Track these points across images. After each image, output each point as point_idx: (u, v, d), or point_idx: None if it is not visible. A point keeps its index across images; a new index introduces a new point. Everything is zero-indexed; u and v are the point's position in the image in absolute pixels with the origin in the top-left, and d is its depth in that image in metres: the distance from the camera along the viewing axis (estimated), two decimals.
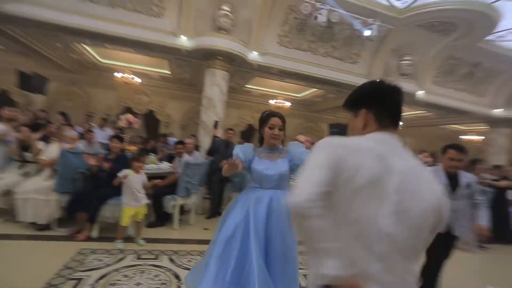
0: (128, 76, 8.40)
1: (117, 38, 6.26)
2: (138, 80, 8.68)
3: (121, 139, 3.63)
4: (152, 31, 6.25)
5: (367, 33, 6.34)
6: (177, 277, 2.59)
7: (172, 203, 3.79)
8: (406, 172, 0.81)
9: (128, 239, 3.26)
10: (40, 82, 7.31)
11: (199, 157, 4.94)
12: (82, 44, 7.74)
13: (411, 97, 8.15)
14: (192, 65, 7.88)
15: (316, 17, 6.01)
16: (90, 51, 8.29)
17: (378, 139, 0.86)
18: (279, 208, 1.77)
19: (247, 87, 10.24)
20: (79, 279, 2.35)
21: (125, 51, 7.44)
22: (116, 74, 8.38)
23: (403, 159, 0.84)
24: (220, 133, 6.02)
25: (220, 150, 4.87)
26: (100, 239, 3.20)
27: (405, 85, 7.81)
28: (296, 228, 0.82)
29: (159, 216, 3.90)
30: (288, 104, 9.92)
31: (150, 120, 10.94)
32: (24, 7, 5.55)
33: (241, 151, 1.93)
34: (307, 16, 6.27)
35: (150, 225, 3.80)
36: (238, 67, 7.08)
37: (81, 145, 3.87)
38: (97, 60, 8.91)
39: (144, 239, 3.31)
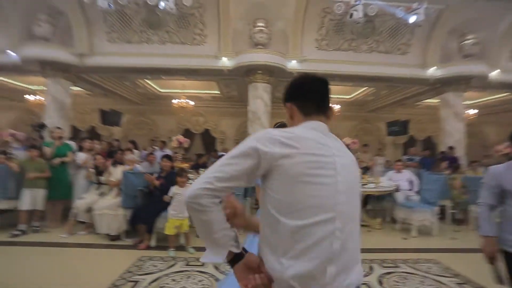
0: (183, 101, 9.34)
1: (169, 69, 7.12)
2: (191, 103, 9.58)
3: (170, 158, 4.10)
4: (197, 57, 6.89)
5: (413, 19, 5.84)
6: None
7: None
8: (339, 151, 0.87)
9: (180, 248, 3.61)
10: (116, 116, 8.71)
11: None
12: (145, 80, 9.00)
13: (483, 80, 7.04)
14: (237, 83, 8.34)
15: (351, 15, 5.82)
16: (151, 84, 9.54)
17: (311, 127, 0.90)
18: None
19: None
20: (136, 282, 2.72)
21: (178, 79, 8.35)
22: (173, 101, 9.43)
23: (332, 140, 0.89)
24: None
25: None
26: (157, 247, 3.63)
27: (473, 67, 6.83)
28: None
29: None
30: (337, 107, 9.58)
31: (207, 138, 11.82)
32: (98, 58, 6.80)
33: None
34: (343, 15, 6.11)
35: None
36: (278, 77, 7.23)
37: (139, 166, 4.47)
38: (158, 90, 10.18)
39: (194, 247, 3.62)
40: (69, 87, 7.11)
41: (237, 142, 11.83)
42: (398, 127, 8.92)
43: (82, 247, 3.66)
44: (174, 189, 3.55)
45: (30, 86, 9.50)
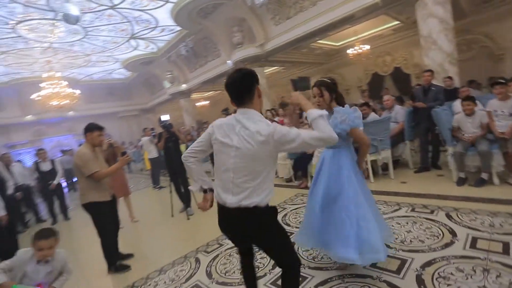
0: (357, 48, 9.07)
1: (328, 25, 7.30)
2: (366, 47, 9.06)
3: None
4: (348, 2, 6.58)
5: None
6: (451, 232, 2.48)
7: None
8: (240, 131, 1.40)
9: None
10: (304, 81, 10.15)
11: (400, 111, 4.73)
12: (317, 42, 9.68)
13: None
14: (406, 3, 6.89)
15: None
16: (325, 42, 10.03)
17: (234, 114, 1.48)
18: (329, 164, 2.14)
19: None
20: (284, 208, 3.93)
21: (343, 30, 8.23)
22: (348, 51, 9.42)
23: (243, 124, 1.40)
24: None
25: (419, 97, 4.37)
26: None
27: None
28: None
29: None
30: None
31: (399, 77, 10.57)
32: (272, 42, 8.43)
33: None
34: None
35: None
36: None
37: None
38: (334, 45, 10.48)
39: None
40: (263, 71, 9.42)
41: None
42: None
43: None
44: None
45: None
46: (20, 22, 7.47)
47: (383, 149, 4.29)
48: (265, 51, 8.67)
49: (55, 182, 5.61)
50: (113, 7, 7.55)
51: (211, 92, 16.23)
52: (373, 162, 4.40)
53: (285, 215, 3.68)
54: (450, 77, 5.29)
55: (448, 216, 2.76)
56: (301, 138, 1.30)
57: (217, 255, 2.90)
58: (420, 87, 4.58)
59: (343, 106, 2.10)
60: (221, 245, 3.14)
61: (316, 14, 7.25)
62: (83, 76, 13.26)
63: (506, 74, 6.79)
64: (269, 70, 11.99)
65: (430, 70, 4.40)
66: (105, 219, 2.82)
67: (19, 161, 7.42)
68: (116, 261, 2.98)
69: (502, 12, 8.04)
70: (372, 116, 4.57)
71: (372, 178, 4.37)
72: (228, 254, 2.88)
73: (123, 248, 3.28)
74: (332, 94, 2.11)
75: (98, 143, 2.80)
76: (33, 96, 9.95)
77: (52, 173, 5.65)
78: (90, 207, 2.73)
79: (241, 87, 1.43)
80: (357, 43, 9.28)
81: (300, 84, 8.62)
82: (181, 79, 12.57)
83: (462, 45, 9.06)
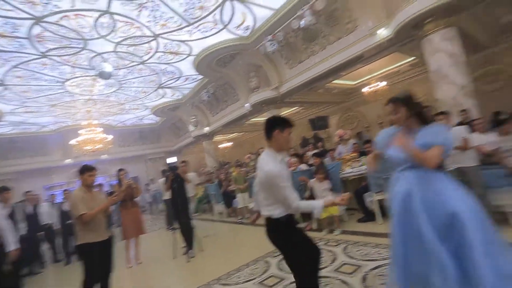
0: (372, 86, 9.08)
1: (338, 67, 7.51)
2: (382, 84, 9.03)
3: (318, 155, 4.72)
4: (357, 43, 6.80)
5: None
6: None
7: (369, 199, 4.04)
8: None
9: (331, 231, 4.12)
10: (323, 120, 10.30)
11: None
12: (333, 82, 9.86)
13: None
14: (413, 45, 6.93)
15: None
16: (340, 81, 10.17)
17: None
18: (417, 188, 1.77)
19: None
20: None
21: (355, 70, 8.37)
22: (363, 90, 9.44)
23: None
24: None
25: None
26: (316, 230, 4.38)
27: None
28: None
29: (365, 212, 4.26)
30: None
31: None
32: (287, 84, 8.77)
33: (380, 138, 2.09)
34: None
35: (360, 221, 4.26)
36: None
37: (302, 166, 5.41)
38: (350, 84, 10.58)
39: (347, 231, 3.97)
40: (279, 112, 9.66)
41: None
42: None
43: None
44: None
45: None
46: (68, 79, 8.68)
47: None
48: (281, 93, 8.99)
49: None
50: (143, 63, 8.53)
51: (234, 134, 16.78)
52: (381, 201, 4.10)
53: None
54: (464, 110, 5.00)
55: None
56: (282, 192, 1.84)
57: None
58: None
59: (428, 124, 1.85)
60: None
61: (327, 56, 7.51)
62: (117, 122, 14.56)
63: None
64: (288, 111, 12.26)
65: (443, 113, 4.14)
66: (93, 260, 2.80)
67: (49, 200, 7.99)
68: None
69: None
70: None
71: (381, 219, 4.04)
72: None
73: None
74: (410, 110, 1.84)
75: (90, 183, 2.95)
76: (72, 141, 11.02)
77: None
78: (80, 248, 2.79)
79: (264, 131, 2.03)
80: (372, 81, 9.30)
81: (318, 123, 8.79)
82: (204, 122, 13.27)
83: (488, 76, 8.70)
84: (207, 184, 9.13)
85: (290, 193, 1.82)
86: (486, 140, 3.44)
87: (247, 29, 7.53)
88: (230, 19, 6.91)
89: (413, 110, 1.84)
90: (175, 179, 4.61)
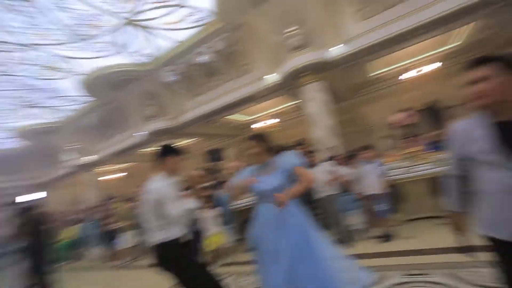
0: (262, 123, 10.14)
1: (237, 102, 8.08)
2: (275, 121, 10.23)
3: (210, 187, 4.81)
4: (250, 84, 7.58)
5: None
6: None
7: None
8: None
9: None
10: (217, 153, 10.62)
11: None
12: (229, 117, 10.43)
13: None
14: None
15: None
16: (234, 117, 10.82)
17: None
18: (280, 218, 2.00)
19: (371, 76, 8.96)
20: None
21: (246, 108, 9.15)
22: (252, 126, 10.41)
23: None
24: None
25: None
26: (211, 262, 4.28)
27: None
28: None
29: None
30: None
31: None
32: (185, 116, 8.76)
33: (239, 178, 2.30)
34: None
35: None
36: (329, 70, 6.74)
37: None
38: (244, 120, 11.44)
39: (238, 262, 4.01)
40: (176, 142, 9.42)
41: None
42: None
43: None
44: None
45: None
46: None
47: None
48: (177, 124, 8.87)
49: None
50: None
51: (127, 164, 15.11)
52: None
53: None
54: (332, 147, 6.07)
55: None
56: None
57: None
58: None
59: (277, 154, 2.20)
60: None
61: (224, 93, 8.03)
62: None
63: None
64: (186, 141, 12.11)
65: (300, 144, 5.03)
66: None
67: None
68: None
69: (369, 98, 10.38)
70: None
71: None
72: None
73: None
74: (264, 145, 2.19)
75: None
76: None
77: None
78: None
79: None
80: (265, 118, 10.39)
81: (214, 155, 8.90)
82: (88, 150, 11.50)
83: (349, 121, 11.08)
84: (83, 224, 7.71)
85: (173, 208, 1.96)
86: (345, 171, 4.32)
87: (147, 56, 7.33)
88: (129, 44, 6.61)
89: (266, 146, 2.21)
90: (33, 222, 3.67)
